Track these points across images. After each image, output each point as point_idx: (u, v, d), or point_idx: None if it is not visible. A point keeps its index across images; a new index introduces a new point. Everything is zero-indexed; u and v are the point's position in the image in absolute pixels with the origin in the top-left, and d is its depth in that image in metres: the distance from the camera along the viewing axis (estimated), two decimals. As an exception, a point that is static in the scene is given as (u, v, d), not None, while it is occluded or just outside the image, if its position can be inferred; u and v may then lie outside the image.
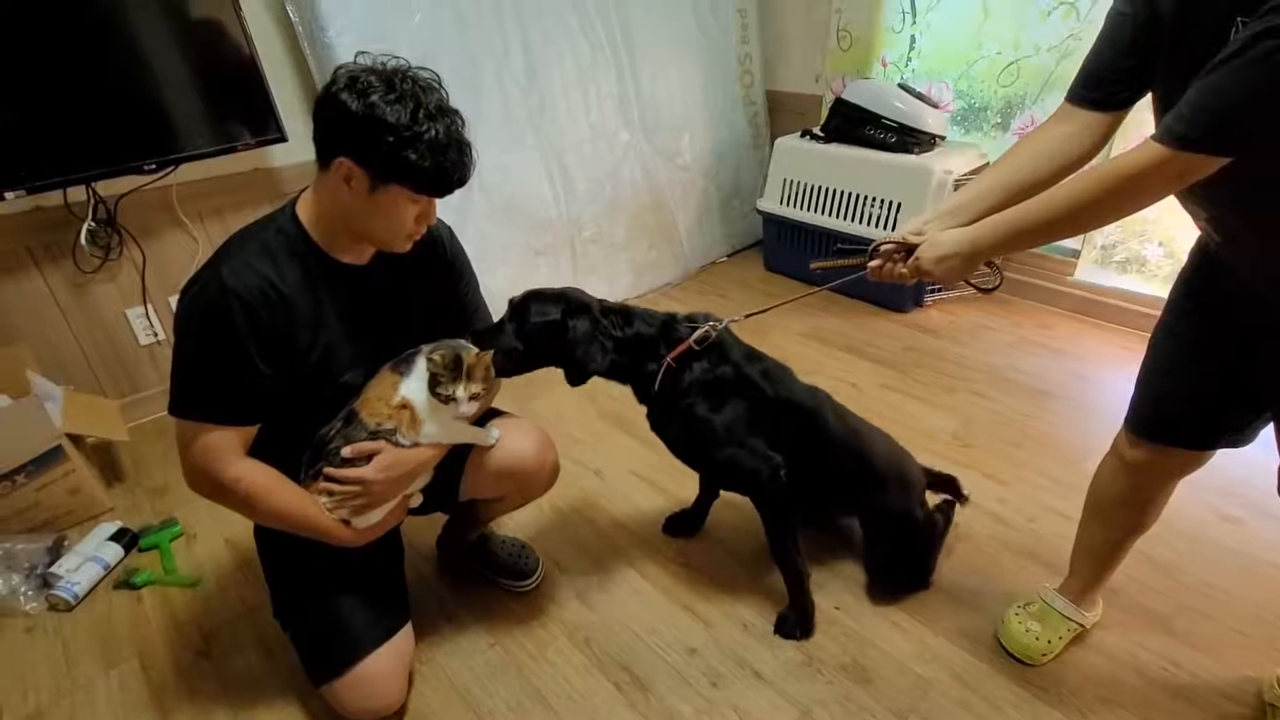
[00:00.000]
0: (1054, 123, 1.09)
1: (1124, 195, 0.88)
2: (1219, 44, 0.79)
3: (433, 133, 1.01)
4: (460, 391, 1.17)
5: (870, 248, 1.21)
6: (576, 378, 1.31)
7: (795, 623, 1.48)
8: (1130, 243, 2.53)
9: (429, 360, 1.18)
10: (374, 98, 0.99)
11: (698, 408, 1.33)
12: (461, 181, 1.09)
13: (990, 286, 1.22)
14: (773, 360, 1.42)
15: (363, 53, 1.06)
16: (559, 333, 1.28)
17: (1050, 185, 1.09)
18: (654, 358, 1.33)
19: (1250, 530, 1.71)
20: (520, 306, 1.31)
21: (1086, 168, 0.96)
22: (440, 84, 1.07)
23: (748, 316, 1.39)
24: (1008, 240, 1.02)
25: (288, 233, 1.14)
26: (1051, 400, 2.23)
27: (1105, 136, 1.06)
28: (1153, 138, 0.84)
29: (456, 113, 1.07)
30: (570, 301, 1.31)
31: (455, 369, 1.17)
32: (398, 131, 0.99)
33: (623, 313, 1.35)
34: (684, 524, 1.77)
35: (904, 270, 1.16)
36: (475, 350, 1.22)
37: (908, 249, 1.15)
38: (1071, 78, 1.07)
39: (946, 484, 1.73)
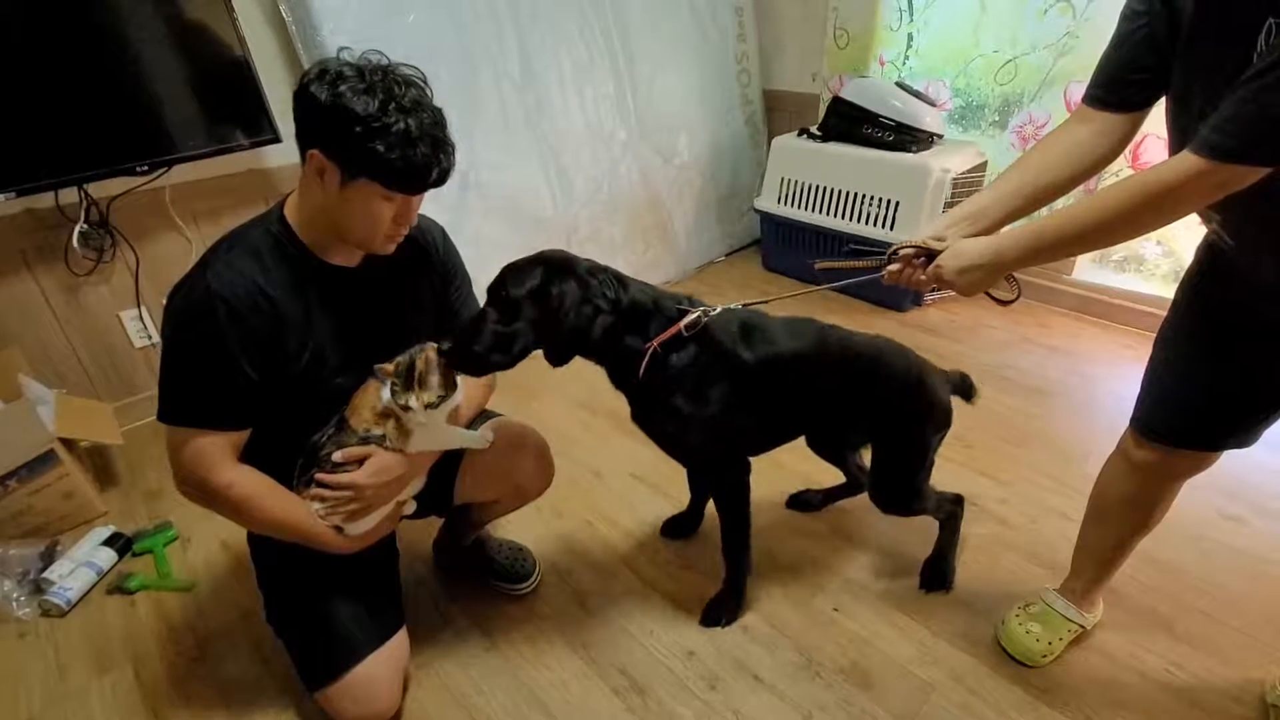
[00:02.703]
0: (1072, 124, 1.08)
1: (1161, 207, 0.86)
2: (1245, 44, 0.78)
3: (402, 125, 0.98)
4: (413, 401, 1.12)
5: (889, 251, 1.17)
6: (559, 354, 1.18)
7: (727, 609, 1.52)
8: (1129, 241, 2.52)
9: (380, 370, 1.14)
10: (343, 88, 0.97)
11: (679, 400, 1.26)
12: (438, 180, 1.06)
13: (1008, 299, 1.17)
14: (756, 314, 1.33)
15: (345, 49, 1.04)
16: (544, 301, 1.15)
17: (1070, 187, 1.08)
18: (641, 334, 1.22)
19: (1253, 530, 1.70)
20: (496, 285, 1.18)
21: (1119, 177, 0.93)
22: (424, 81, 1.05)
23: (745, 306, 1.32)
24: (1035, 252, 0.99)
25: (275, 234, 1.12)
26: (1051, 400, 2.22)
27: (1125, 138, 1.04)
28: (1190, 149, 0.82)
29: (437, 110, 1.04)
30: (549, 263, 1.17)
31: (407, 377, 1.13)
32: (366, 122, 0.96)
33: (616, 276, 1.22)
34: (681, 526, 1.76)
35: (923, 277, 1.12)
36: (430, 350, 1.15)
37: (928, 254, 1.12)
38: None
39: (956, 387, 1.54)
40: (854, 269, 1.22)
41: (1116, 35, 1.00)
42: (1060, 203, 1.14)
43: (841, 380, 1.36)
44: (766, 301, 1.35)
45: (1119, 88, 1.01)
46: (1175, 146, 0.98)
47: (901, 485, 1.46)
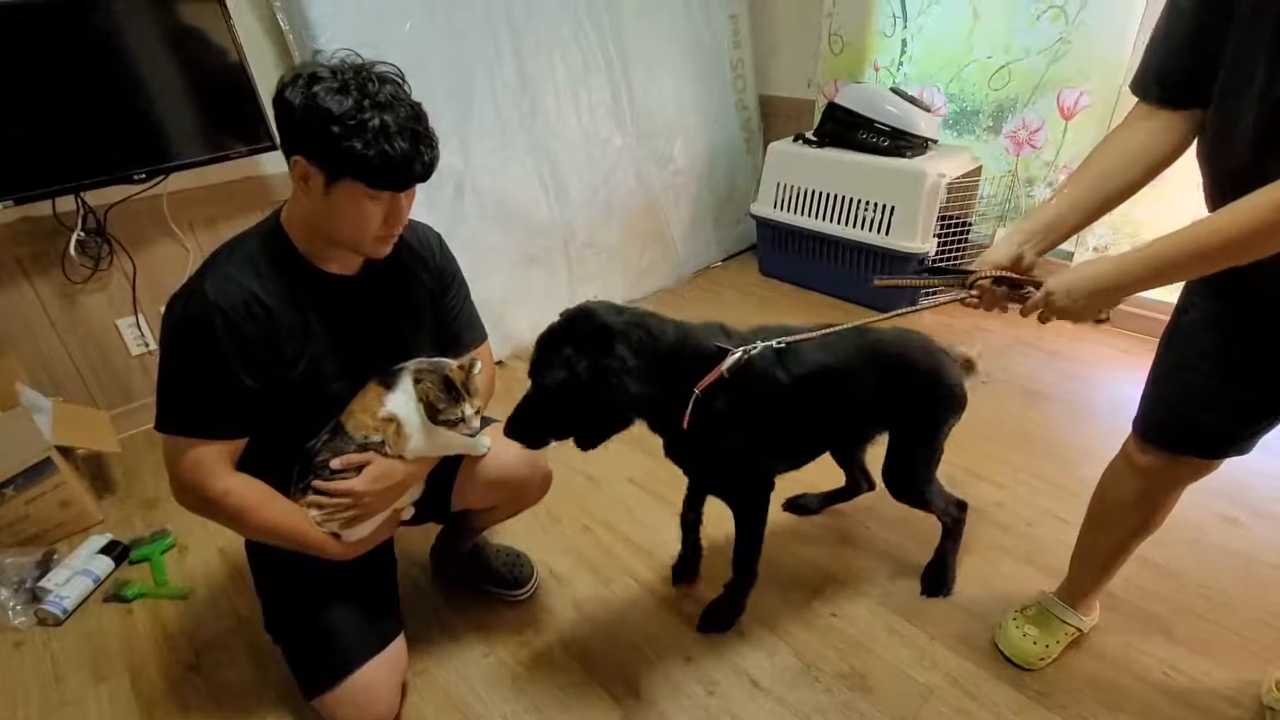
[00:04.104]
0: (1136, 121, 1.05)
1: None
2: None
3: (378, 121, 0.97)
4: (467, 410, 1.17)
5: (971, 279, 1.10)
6: (588, 441, 1.15)
7: (725, 615, 1.52)
8: (1122, 244, 2.53)
9: (422, 389, 1.16)
10: (316, 89, 0.97)
11: (724, 441, 1.23)
12: (421, 174, 1.05)
13: (1103, 317, 1.10)
14: (789, 333, 1.27)
15: (319, 52, 1.04)
16: (569, 385, 1.09)
17: (1137, 188, 1.05)
18: (681, 382, 1.16)
19: (1249, 532, 1.70)
20: (535, 364, 1.13)
21: (1251, 196, 0.87)
22: (400, 78, 1.04)
23: (787, 343, 1.24)
24: (1160, 274, 0.93)
25: (271, 243, 1.12)
26: (1047, 403, 2.23)
27: (1192, 131, 1.01)
28: None
29: (415, 104, 1.04)
30: (575, 335, 1.10)
31: (451, 392, 1.15)
32: (341, 121, 0.96)
33: (646, 329, 1.14)
34: (688, 567, 1.62)
35: (1021, 307, 1.07)
36: (455, 364, 1.19)
37: (1009, 281, 1.07)
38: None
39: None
40: (913, 285, 1.17)
41: (1166, 33, 0.98)
42: (1122, 208, 1.10)
43: (872, 383, 1.36)
44: (809, 338, 1.26)
45: (1176, 87, 0.99)
46: (1218, 135, 0.95)
47: (918, 472, 1.47)
